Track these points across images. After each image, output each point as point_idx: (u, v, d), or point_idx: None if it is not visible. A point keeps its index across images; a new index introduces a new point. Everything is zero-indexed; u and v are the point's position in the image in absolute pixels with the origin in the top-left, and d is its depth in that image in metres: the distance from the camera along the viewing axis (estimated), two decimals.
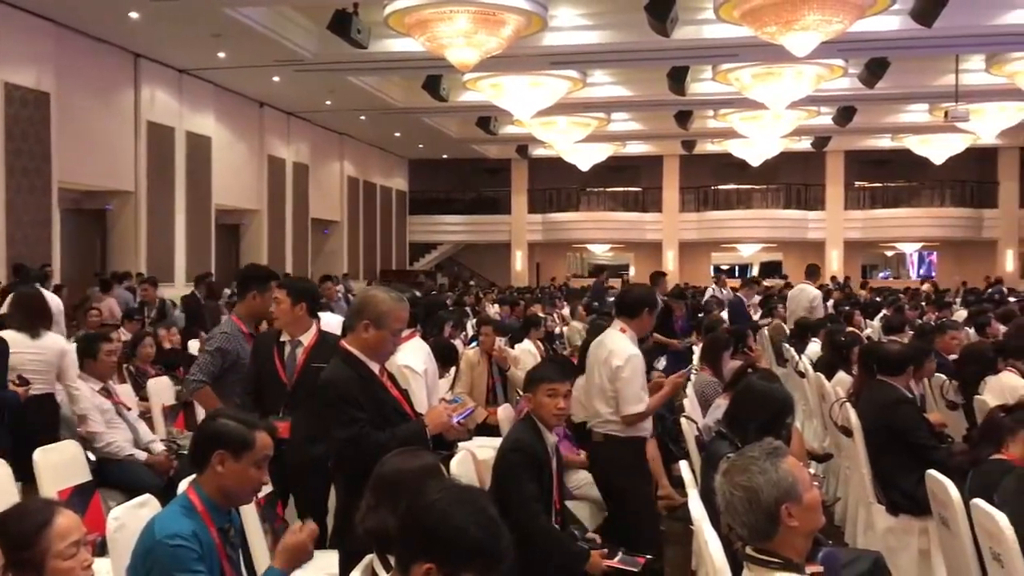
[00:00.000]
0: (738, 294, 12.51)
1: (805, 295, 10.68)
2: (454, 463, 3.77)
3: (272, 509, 3.78)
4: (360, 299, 3.42)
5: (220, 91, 16.68)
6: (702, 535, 2.89)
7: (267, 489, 3.49)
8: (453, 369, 6.40)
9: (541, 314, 9.93)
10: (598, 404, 4.54)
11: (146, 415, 5.93)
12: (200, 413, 6.26)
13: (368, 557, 2.48)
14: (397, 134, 22.45)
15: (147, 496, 3.17)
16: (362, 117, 19.87)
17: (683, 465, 3.93)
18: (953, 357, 6.51)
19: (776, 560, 2.24)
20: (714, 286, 14.94)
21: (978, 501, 3.11)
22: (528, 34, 12.15)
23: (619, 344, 4.52)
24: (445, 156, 26.46)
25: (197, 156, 15.93)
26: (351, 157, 23.01)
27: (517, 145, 23.96)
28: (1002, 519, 2.91)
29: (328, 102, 18.16)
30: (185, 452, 5.53)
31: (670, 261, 26.14)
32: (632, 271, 28.70)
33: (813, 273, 11.20)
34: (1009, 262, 24.37)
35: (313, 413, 3.48)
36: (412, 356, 3.91)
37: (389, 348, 3.34)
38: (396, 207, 26.41)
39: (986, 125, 17.36)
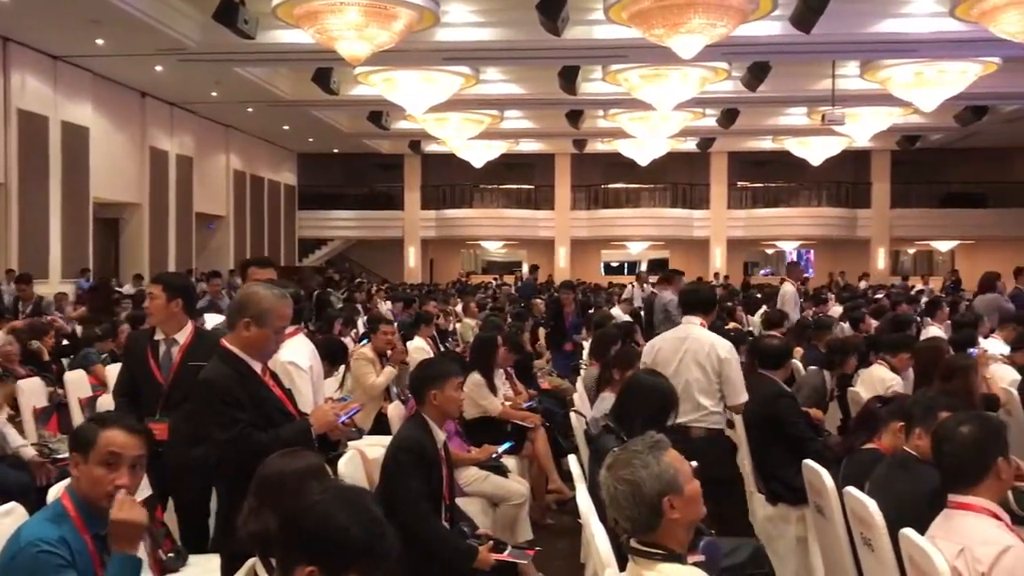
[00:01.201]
0: (654, 291, 12.72)
1: (786, 294, 11.04)
2: (342, 463, 3.71)
3: (150, 513, 3.64)
4: (241, 296, 3.32)
5: (99, 79, 15.98)
6: (589, 528, 2.93)
7: (145, 492, 3.36)
8: (342, 368, 6.31)
9: (434, 311, 9.88)
10: (699, 398, 4.62)
11: (16, 419, 5.63)
12: (77, 416, 6.00)
13: (250, 561, 2.42)
14: (286, 127, 21.97)
15: (12, 504, 3.00)
16: (249, 109, 19.37)
17: (572, 459, 3.97)
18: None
19: (659, 551, 2.28)
20: (634, 283, 15.25)
21: (851, 489, 3.24)
22: (420, 29, 12.06)
23: (714, 337, 4.78)
24: (336, 150, 26.06)
25: (73, 147, 15.22)
26: (238, 150, 22.41)
27: (410, 140, 23.80)
28: (872, 505, 3.04)
29: (214, 93, 17.63)
30: (59, 456, 5.29)
31: (562, 258, 26.47)
32: (525, 268, 28.90)
33: (792, 271, 11.52)
34: (881, 260, 25.61)
35: (192, 414, 3.36)
36: (297, 353, 3.82)
37: (272, 346, 3.26)
38: (285, 202, 25.86)
39: (860, 129, 18.18)
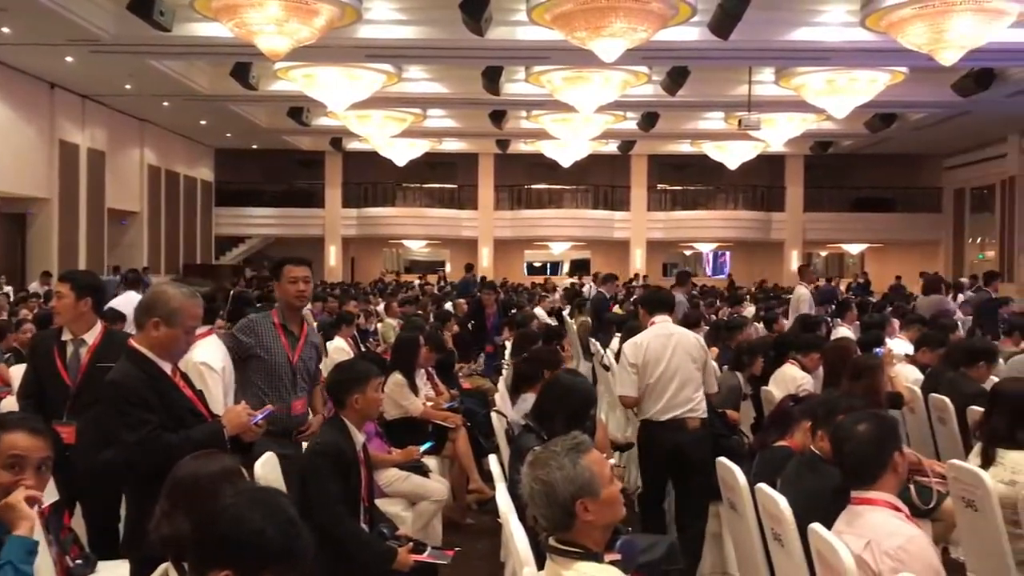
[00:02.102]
0: (600, 290, 12.90)
1: (797, 294, 11.19)
2: (259, 465, 3.66)
3: (58, 519, 3.52)
4: (150, 296, 3.24)
5: (4, 69, 15.38)
6: (508, 527, 2.94)
7: (53, 497, 3.25)
8: None
9: (355, 311, 9.79)
10: (690, 390, 4.87)
11: None
12: None
13: (163, 566, 2.37)
14: (203, 122, 21.48)
15: None
16: (165, 103, 18.87)
17: (492, 459, 3.98)
18: None
19: (576, 550, 2.31)
20: (591, 283, 15.48)
21: (762, 485, 3.33)
22: (342, 25, 11.93)
23: (695, 335, 5.20)
24: (255, 146, 25.58)
25: None
26: (153, 145, 21.80)
27: (331, 137, 23.51)
28: (782, 502, 3.12)
29: (128, 86, 17.11)
30: None
31: (484, 258, 26.48)
32: (448, 267, 28.86)
33: (804, 274, 11.70)
34: (794, 262, 26.29)
35: (100, 416, 3.26)
36: (210, 354, 3.74)
37: (181, 347, 3.19)
38: (201, 198, 25.26)
39: (775, 134, 18.62)
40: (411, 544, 3.63)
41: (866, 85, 14.75)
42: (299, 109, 18.84)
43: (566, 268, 30.67)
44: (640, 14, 11.16)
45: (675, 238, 27.32)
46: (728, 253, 29.57)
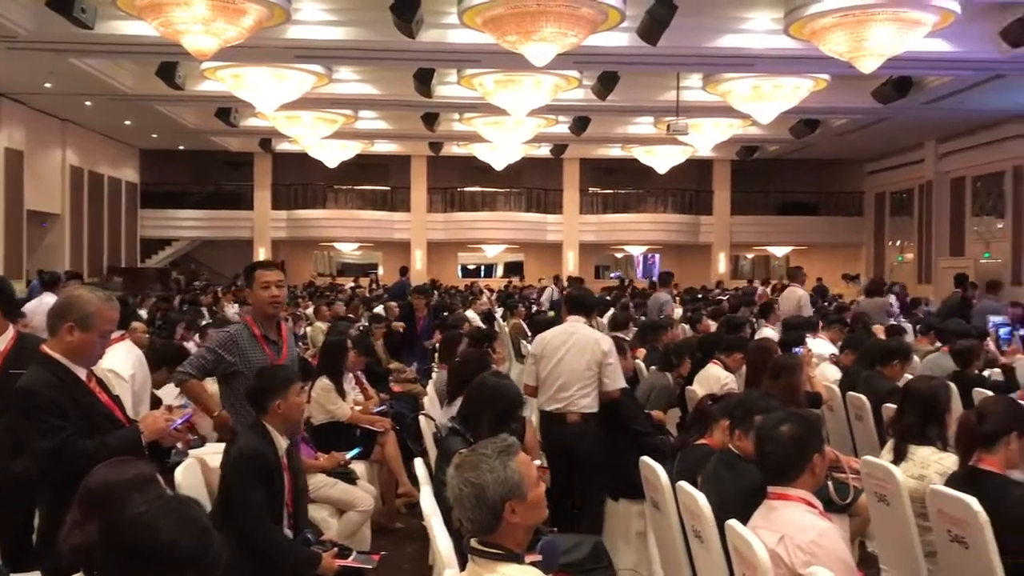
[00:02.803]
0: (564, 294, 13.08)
1: (794, 296, 11.18)
2: (179, 472, 3.60)
3: None
4: (63, 300, 3.16)
5: None
6: (432, 530, 2.95)
7: None
8: None
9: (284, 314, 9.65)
10: (577, 385, 5.18)
11: None
12: None
13: None
14: (128, 122, 20.96)
15: None
16: (88, 102, 18.37)
17: (418, 462, 3.98)
18: None
19: (498, 552, 2.33)
20: (552, 285, 15.58)
21: (682, 483, 3.39)
22: (271, 25, 11.78)
23: (597, 334, 5.50)
24: (182, 147, 25.06)
25: None
26: (75, 145, 21.20)
27: (260, 138, 23.15)
28: (701, 498, 3.19)
29: (48, 84, 16.61)
30: None
31: (418, 260, 26.39)
32: (381, 270, 28.67)
33: (796, 276, 11.77)
34: (722, 264, 26.80)
35: (12, 424, 3.17)
36: (118, 361, 3.67)
37: (96, 351, 3.11)
38: (126, 200, 24.65)
39: (703, 139, 18.94)
40: (335, 549, 3.61)
41: (790, 91, 15.09)
42: (227, 110, 18.52)
43: (500, 271, 30.74)
44: (570, 19, 11.25)
45: (607, 241, 27.59)
46: (658, 256, 29.97)
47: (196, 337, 8.61)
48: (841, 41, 11.51)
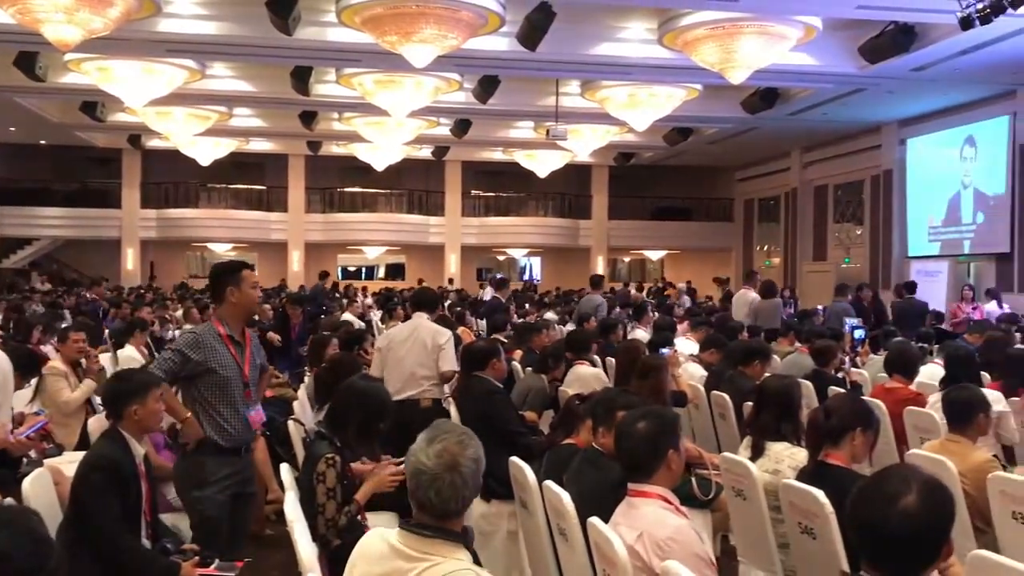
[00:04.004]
0: (496, 295, 12.99)
1: (745, 299, 11.38)
2: (27, 482, 3.42)
3: None
4: None
5: None
6: (294, 535, 2.90)
7: None
8: (35, 380, 5.77)
9: (149, 317, 9.31)
10: (423, 374, 5.81)
11: None
12: None
13: None
14: None
15: None
16: None
17: (284, 468, 3.89)
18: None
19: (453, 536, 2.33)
20: (490, 289, 15.54)
21: (548, 482, 3.44)
22: (140, 17, 11.38)
23: (436, 327, 6.11)
24: (43, 142, 23.78)
25: None
26: None
27: (129, 134, 22.24)
28: (565, 497, 3.25)
29: None
30: None
31: (295, 262, 25.87)
32: (256, 272, 27.93)
33: (750, 278, 12.20)
34: (600, 267, 27.29)
35: None
36: None
37: None
38: None
39: (581, 144, 19.29)
40: (196, 558, 3.50)
41: (664, 100, 15.54)
42: (93, 104, 17.71)
43: (382, 272, 30.47)
44: (450, 22, 11.29)
45: (489, 243, 27.72)
46: (539, 258, 30.32)
47: (55, 340, 8.20)
48: (712, 52, 11.95)
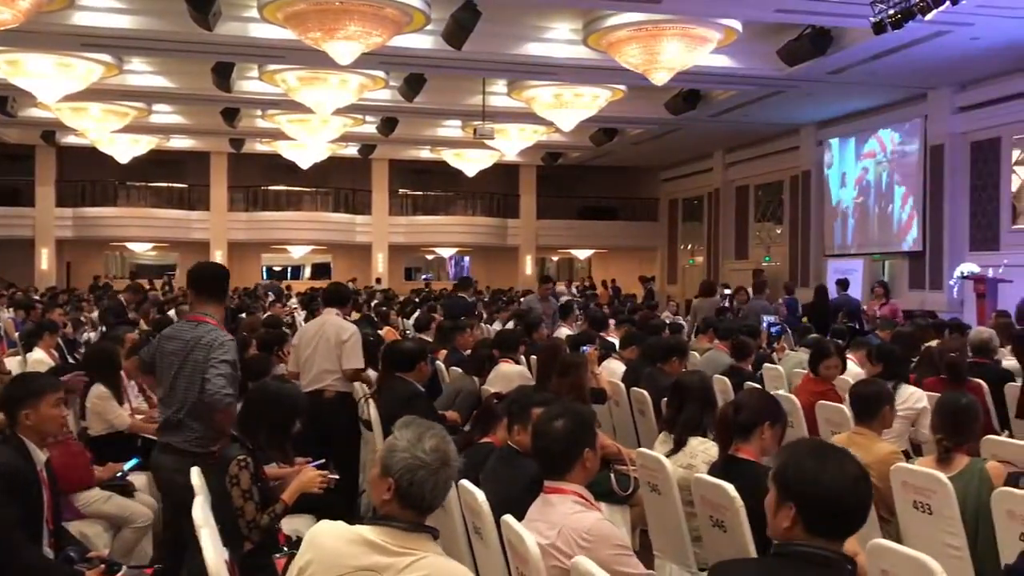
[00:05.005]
0: (460, 294, 12.88)
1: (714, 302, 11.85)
2: None
3: None
4: None
5: None
6: (201, 541, 2.84)
7: None
8: None
9: (61, 319, 9.02)
10: (328, 366, 5.99)
11: None
12: None
13: None
14: None
15: None
16: None
17: (194, 471, 3.79)
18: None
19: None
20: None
21: (463, 481, 3.44)
22: (52, 10, 11.04)
23: (344, 322, 6.28)
24: None
25: None
26: None
27: (43, 131, 21.49)
28: (480, 495, 3.25)
29: None
30: None
31: (218, 261, 25.33)
32: (178, 272, 27.33)
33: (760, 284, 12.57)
34: (528, 266, 27.40)
35: None
36: None
37: None
38: None
39: (508, 144, 19.33)
40: (103, 567, 3.40)
41: (590, 100, 15.68)
42: (3, 98, 17.14)
43: (307, 272, 30.07)
44: (374, 19, 11.20)
45: (417, 242, 27.59)
46: (468, 258, 30.29)
47: None
48: (635, 54, 12.09)
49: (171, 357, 4.06)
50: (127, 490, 4.87)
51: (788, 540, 2.16)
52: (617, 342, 7.95)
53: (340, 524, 2.38)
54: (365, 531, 2.30)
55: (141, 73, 16.09)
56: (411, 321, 12.40)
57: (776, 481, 2.22)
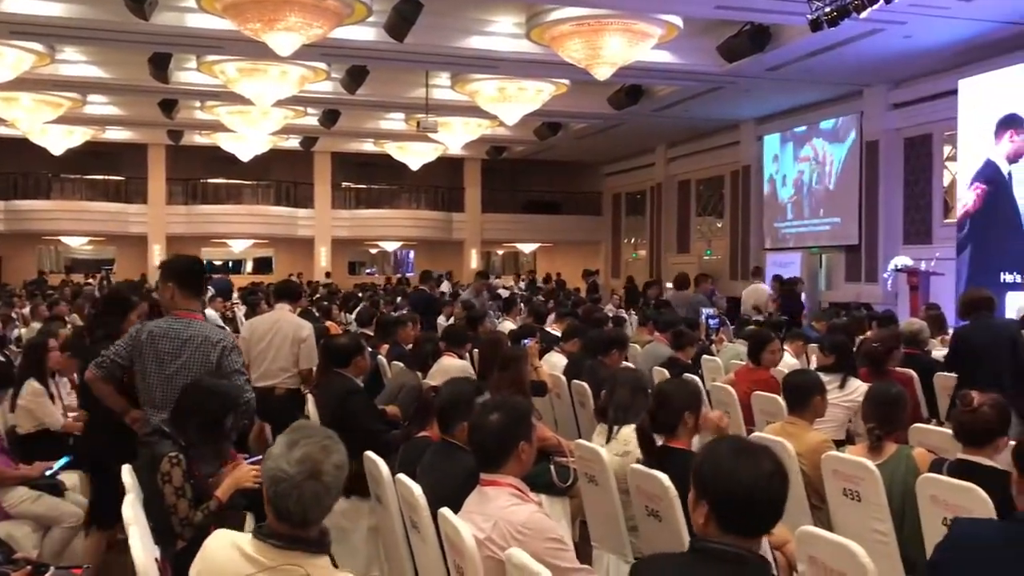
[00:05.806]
0: (421, 287, 12.83)
1: (760, 292, 12.15)
2: None
3: None
4: None
5: None
6: (130, 539, 2.79)
7: None
8: None
9: None
10: (282, 364, 6.03)
11: None
12: None
13: None
14: None
15: None
16: None
17: (126, 469, 3.71)
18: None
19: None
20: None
21: (400, 475, 3.43)
22: None
23: (299, 319, 6.33)
24: None
25: None
26: None
27: None
28: (416, 489, 3.25)
29: None
30: None
31: (156, 255, 24.86)
32: (116, 266, 26.76)
33: (758, 273, 13.00)
34: (474, 260, 27.40)
35: None
36: None
37: None
38: None
39: (452, 137, 19.27)
40: (29, 568, 3.32)
41: (533, 94, 15.69)
42: None
43: (249, 266, 29.65)
44: (315, 10, 11.09)
45: (360, 236, 27.37)
46: (412, 251, 30.16)
47: None
48: (578, 48, 12.15)
49: (165, 356, 4.06)
50: (57, 489, 4.76)
51: (704, 536, 2.19)
52: (560, 335, 7.99)
53: (234, 534, 2.33)
54: (246, 544, 2.25)
55: (75, 63, 15.71)
56: (353, 316, 12.30)
57: (694, 479, 2.25)
